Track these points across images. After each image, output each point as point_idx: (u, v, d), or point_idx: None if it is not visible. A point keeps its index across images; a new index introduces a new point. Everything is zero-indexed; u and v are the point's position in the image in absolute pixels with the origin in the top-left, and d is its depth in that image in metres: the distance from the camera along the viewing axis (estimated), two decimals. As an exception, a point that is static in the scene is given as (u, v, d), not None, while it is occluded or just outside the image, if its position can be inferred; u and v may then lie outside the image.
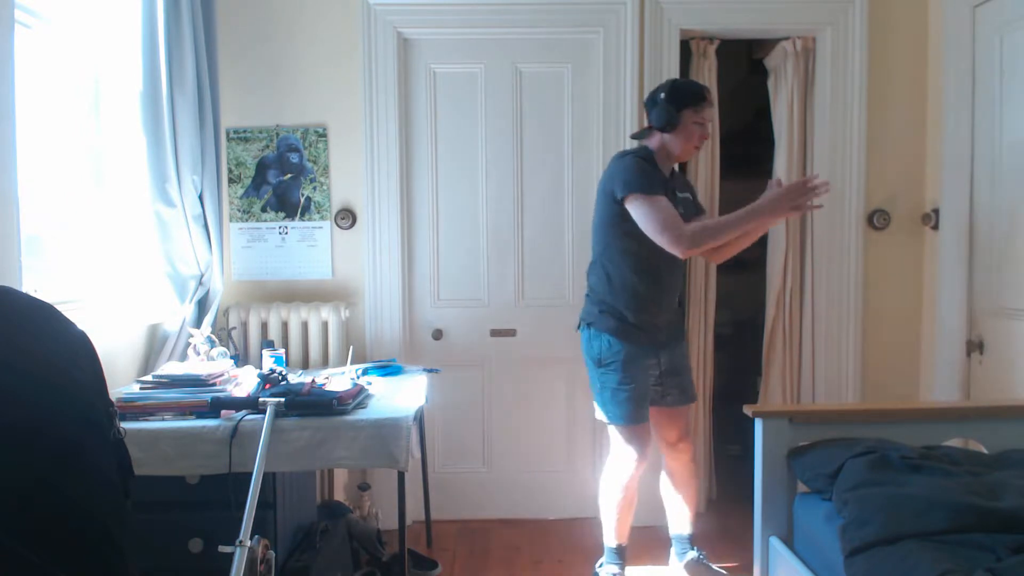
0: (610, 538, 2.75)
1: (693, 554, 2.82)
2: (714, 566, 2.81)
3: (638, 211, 2.49)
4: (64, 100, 2.51)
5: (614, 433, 2.66)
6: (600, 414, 2.71)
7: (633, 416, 2.61)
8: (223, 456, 2.10)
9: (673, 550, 2.89)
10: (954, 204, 3.05)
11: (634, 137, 2.81)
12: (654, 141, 2.64)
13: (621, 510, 2.71)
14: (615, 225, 2.59)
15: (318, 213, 3.27)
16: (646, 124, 2.69)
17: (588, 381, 3.34)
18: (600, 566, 2.80)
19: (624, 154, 2.66)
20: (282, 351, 2.82)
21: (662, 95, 2.58)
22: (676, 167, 2.78)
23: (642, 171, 2.51)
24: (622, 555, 2.76)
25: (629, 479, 2.66)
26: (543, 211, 3.37)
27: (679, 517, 2.84)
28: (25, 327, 0.98)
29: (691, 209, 2.70)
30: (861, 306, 3.33)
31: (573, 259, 3.37)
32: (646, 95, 2.72)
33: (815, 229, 3.35)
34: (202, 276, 2.95)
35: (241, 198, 3.26)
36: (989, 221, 2.90)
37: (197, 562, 2.16)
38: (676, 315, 2.79)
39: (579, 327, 2.74)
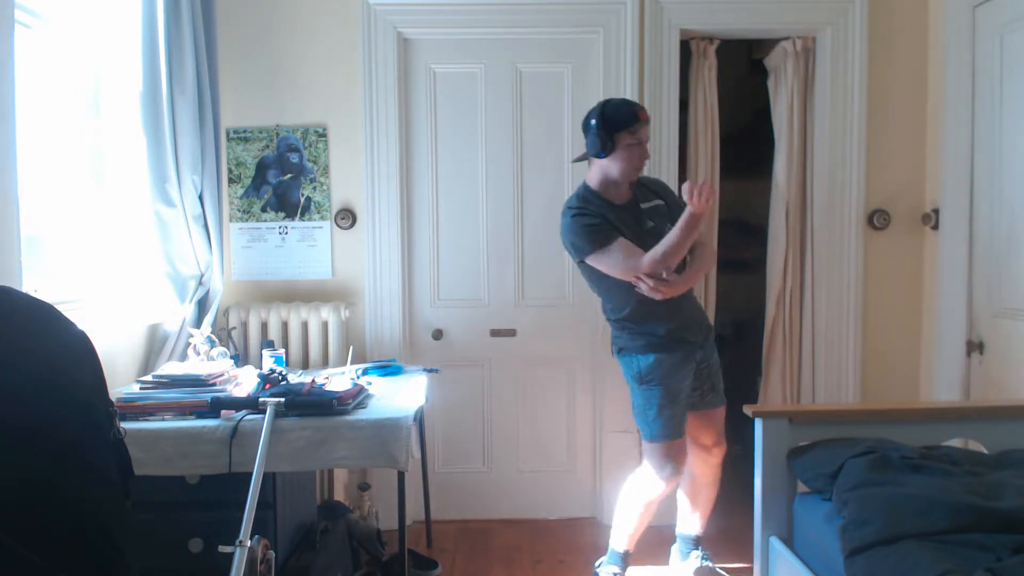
0: (619, 543, 2.74)
1: (697, 554, 2.82)
2: (717, 567, 2.81)
3: (600, 267, 2.53)
4: (64, 100, 2.51)
5: (650, 450, 2.61)
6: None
7: (673, 431, 2.58)
8: (223, 456, 2.10)
9: (676, 548, 2.89)
10: (954, 204, 3.05)
11: (575, 162, 2.78)
12: (593, 172, 2.60)
13: (640, 523, 2.70)
14: (591, 268, 2.59)
15: (318, 213, 3.27)
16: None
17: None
18: (599, 565, 2.80)
19: (566, 210, 2.59)
20: (282, 351, 2.82)
21: (593, 121, 2.51)
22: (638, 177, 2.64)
23: (583, 229, 2.51)
24: (626, 560, 2.76)
25: (658, 497, 2.64)
26: (543, 211, 3.36)
27: (690, 518, 2.83)
28: (25, 327, 0.98)
29: (665, 216, 2.60)
30: (861, 306, 3.33)
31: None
32: (639, 98, 2.65)
33: (815, 229, 3.35)
34: (202, 276, 2.95)
35: (241, 198, 3.26)
36: (989, 221, 2.89)
37: (197, 562, 2.17)
38: (699, 312, 2.75)
39: (614, 353, 2.71)
